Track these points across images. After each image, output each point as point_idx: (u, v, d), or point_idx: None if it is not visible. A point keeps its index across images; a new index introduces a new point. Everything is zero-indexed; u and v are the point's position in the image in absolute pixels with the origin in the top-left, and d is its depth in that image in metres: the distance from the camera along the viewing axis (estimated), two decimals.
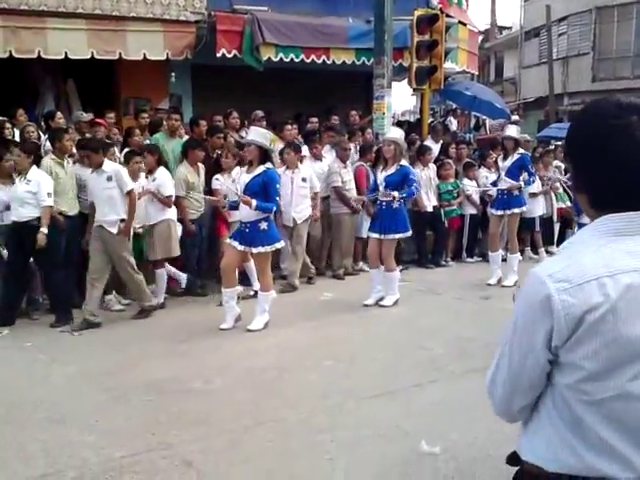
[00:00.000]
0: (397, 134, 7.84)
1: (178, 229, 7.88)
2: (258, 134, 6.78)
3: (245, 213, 6.66)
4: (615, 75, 25.47)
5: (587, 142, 1.51)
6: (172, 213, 7.76)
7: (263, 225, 6.65)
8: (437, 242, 10.45)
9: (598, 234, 1.50)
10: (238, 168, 7.81)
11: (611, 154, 1.46)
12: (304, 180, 8.63)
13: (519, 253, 9.10)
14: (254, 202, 6.47)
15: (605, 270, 1.44)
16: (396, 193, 7.45)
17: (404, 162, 7.73)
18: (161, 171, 7.71)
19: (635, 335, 1.42)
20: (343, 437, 4.29)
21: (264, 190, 6.56)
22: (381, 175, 7.61)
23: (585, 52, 26.39)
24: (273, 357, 5.96)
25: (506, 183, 8.69)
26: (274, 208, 6.72)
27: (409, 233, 7.88)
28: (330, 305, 7.89)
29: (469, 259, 10.68)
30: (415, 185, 7.67)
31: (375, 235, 7.72)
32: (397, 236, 7.71)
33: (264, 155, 6.65)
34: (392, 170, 7.54)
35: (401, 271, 8.34)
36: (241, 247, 6.67)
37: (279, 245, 6.95)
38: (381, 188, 7.57)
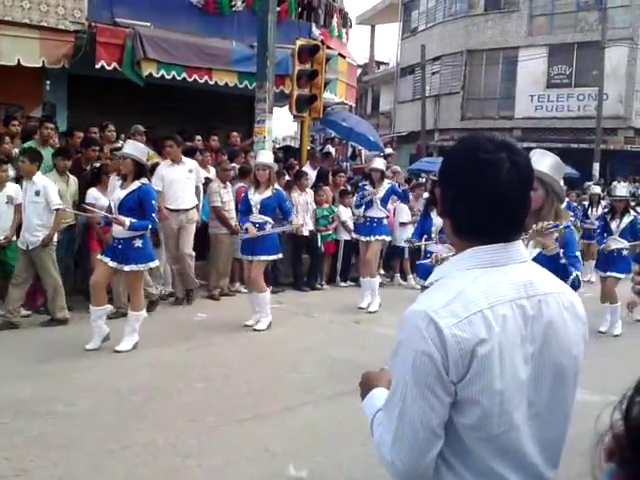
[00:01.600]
0: (269, 158, 7.94)
1: None
2: (135, 148, 6.65)
3: (119, 229, 6.48)
4: (482, 114, 27.07)
5: (458, 172, 1.54)
6: None
7: (138, 243, 6.48)
8: (312, 266, 10.62)
9: (469, 266, 1.51)
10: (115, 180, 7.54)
11: (479, 186, 1.48)
12: None
13: (378, 277, 9.46)
14: (127, 222, 6.30)
15: (485, 302, 1.44)
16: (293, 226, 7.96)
17: (277, 186, 7.86)
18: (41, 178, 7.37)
19: (515, 367, 1.45)
20: (211, 461, 4.24)
21: (140, 206, 6.42)
22: (255, 197, 7.64)
23: (456, 91, 27.87)
24: (143, 378, 5.80)
25: (377, 211, 9.04)
26: (149, 225, 6.55)
27: (279, 255, 7.94)
28: (204, 325, 7.80)
29: (342, 283, 10.92)
30: (290, 213, 7.89)
31: (247, 257, 7.73)
32: (267, 258, 7.74)
33: (140, 170, 6.53)
34: (268, 193, 7.61)
35: (273, 292, 8.40)
36: (113, 264, 6.45)
37: (152, 264, 6.81)
38: (255, 210, 7.60)
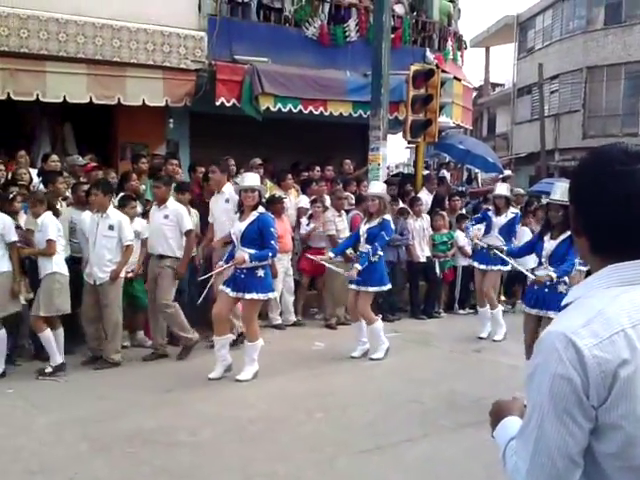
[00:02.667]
0: (380, 189, 7.85)
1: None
2: (258, 180, 6.82)
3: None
4: (605, 132, 25.89)
5: (593, 186, 1.47)
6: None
7: (260, 272, 6.58)
8: (429, 293, 10.43)
9: (608, 284, 1.44)
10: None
11: (616, 198, 1.42)
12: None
13: (499, 306, 8.99)
14: (247, 257, 6.45)
15: (627, 321, 1.37)
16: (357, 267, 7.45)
17: (387, 216, 7.70)
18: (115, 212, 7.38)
19: None
20: None
21: (260, 236, 6.54)
22: (364, 227, 7.61)
23: (576, 109, 26.87)
24: (263, 408, 5.85)
25: (495, 239, 8.58)
26: (270, 254, 6.63)
27: (386, 287, 7.78)
28: (322, 355, 7.80)
29: (461, 311, 10.65)
30: (380, 243, 7.46)
31: (353, 287, 7.64)
32: (372, 289, 7.58)
33: (259, 201, 6.69)
34: (374, 223, 7.54)
35: (389, 321, 8.26)
36: (233, 294, 6.59)
37: (272, 295, 6.90)
38: (362, 240, 7.56)
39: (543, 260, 6.08)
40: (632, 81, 25.28)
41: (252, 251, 6.49)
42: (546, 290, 5.92)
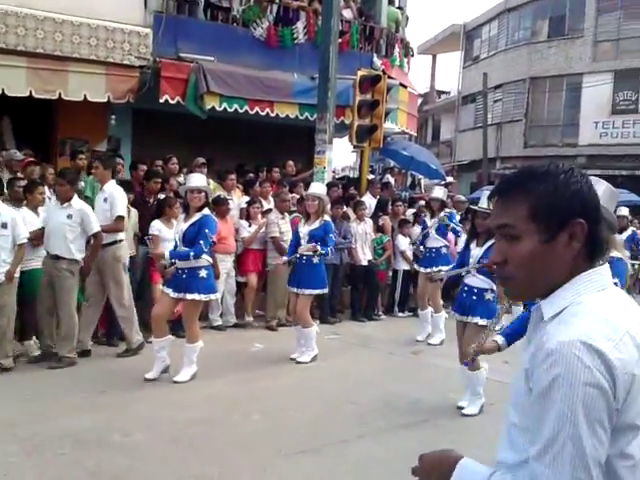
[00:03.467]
0: (321, 189, 7.85)
1: None
2: (204, 180, 6.78)
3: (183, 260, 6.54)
4: (545, 142, 26.59)
5: (596, 202, 1.53)
6: None
7: (202, 273, 6.52)
8: (370, 296, 10.54)
9: (589, 290, 1.47)
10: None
11: (598, 209, 1.51)
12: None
13: (443, 311, 9.09)
14: (166, 252, 6.54)
15: (625, 323, 1.41)
16: (318, 247, 7.41)
17: (327, 217, 7.73)
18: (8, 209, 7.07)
19: None
20: None
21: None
22: (304, 229, 7.60)
23: (518, 119, 27.49)
24: (200, 410, 5.80)
25: (435, 241, 8.89)
26: (191, 253, 6.40)
27: (325, 290, 7.86)
28: (261, 357, 7.79)
29: (400, 314, 10.79)
30: (331, 248, 7.57)
31: (293, 289, 7.66)
32: (313, 292, 7.62)
33: (206, 202, 6.65)
34: (316, 225, 7.53)
35: (329, 323, 8.27)
36: (175, 294, 6.51)
37: (213, 296, 6.85)
38: (303, 242, 7.55)
39: (470, 268, 6.10)
40: (573, 93, 26.01)
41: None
42: (474, 297, 5.98)
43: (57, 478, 4.34)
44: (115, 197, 7.27)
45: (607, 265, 1.51)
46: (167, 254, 6.54)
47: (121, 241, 7.37)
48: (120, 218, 7.28)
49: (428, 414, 5.95)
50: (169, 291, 6.53)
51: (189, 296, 6.47)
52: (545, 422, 1.34)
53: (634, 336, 1.38)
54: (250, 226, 9.40)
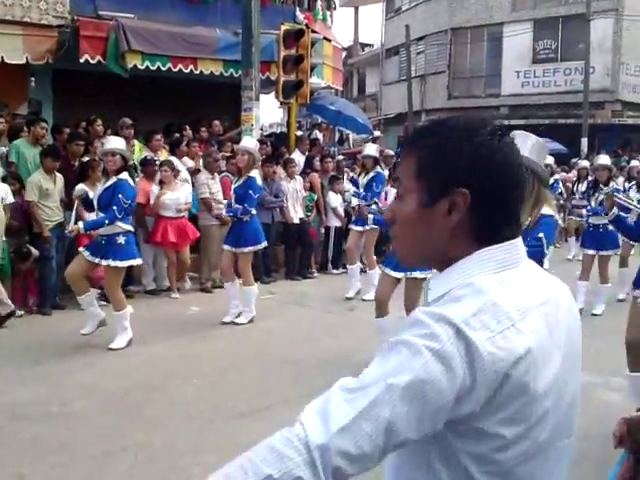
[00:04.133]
0: (251, 144, 7.64)
1: None
2: (121, 143, 6.60)
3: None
4: (469, 93, 27.00)
5: (461, 160, 1.25)
6: None
7: (120, 239, 6.40)
8: (303, 254, 10.60)
9: (484, 270, 1.23)
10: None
11: (490, 174, 1.23)
12: None
13: (377, 267, 9.19)
14: (80, 225, 6.38)
15: (516, 313, 1.18)
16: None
17: (253, 173, 7.45)
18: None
19: (545, 389, 1.20)
20: (208, 460, 4.21)
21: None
22: (233, 186, 7.51)
23: (441, 70, 27.75)
24: (138, 376, 5.78)
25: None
26: (106, 221, 6.31)
27: (262, 245, 7.71)
28: (197, 319, 7.79)
29: (334, 271, 10.91)
30: (250, 204, 7.32)
31: (228, 248, 7.55)
32: (249, 249, 7.50)
33: (122, 166, 6.44)
34: (240, 182, 7.40)
35: (264, 283, 8.25)
36: (91, 258, 6.39)
37: (134, 262, 6.71)
38: (232, 201, 7.46)
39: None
40: (494, 42, 26.38)
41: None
42: None
43: None
44: None
45: (518, 240, 1.28)
46: (81, 226, 6.38)
47: None
48: None
49: (364, 368, 6.07)
50: (86, 254, 6.43)
51: (104, 262, 6.37)
52: (372, 369, 1.17)
53: (522, 329, 1.16)
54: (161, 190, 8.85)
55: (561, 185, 13.62)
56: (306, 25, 12.14)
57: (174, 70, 10.75)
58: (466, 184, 1.22)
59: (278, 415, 5.00)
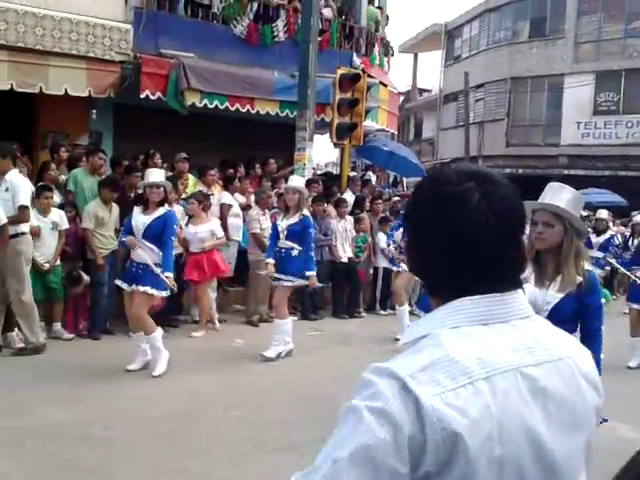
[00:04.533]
0: (301, 183, 7.78)
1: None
2: (161, 175, 6.83)
3: (139, 253, 6.56)
4: (527, 141, 26.81)
5: (418, 213, 1.26)
6: None
7: (157, 269, 6.52)
8: (351, 293, 10.59)
9: (456, 323, 1.17)
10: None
11: (444, 225, 1.20)
12: None
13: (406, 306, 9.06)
14: (169, 274, 6.56)
15: (480, 370, 1.10)
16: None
17: (306, 212, 7.62)
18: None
19: (518, 462, 1.11)
20: None
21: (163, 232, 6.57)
22: (283, 223, 7.51)
23: (500, 118, 27.68)
24: (178, 405, 5.82)
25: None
26: (172, 252, 6.70)
27: (302, 281, 7.60)
28: (242, 352, 7.81)
29: (382, 311, 10.85)
30: (310, 240, 7.44)
31: (274, 283, 7.62)
32: (289, 284, 7.48)
33: (166, 197, 6.73)
34: (295, 219, 7.43)
35: (312, 320, 8.22)
36: (126, 286, 6.63)
37: (165, 294, 6.76)
38: (282, 236, 7.48)
39: None
40: (554, 93, 26.25)
41: (153, 246, 6.53)
42: None
43: (37, 471, 4.35)
44: (17, 186, 6.88)
45: (509, 294, 1.20)
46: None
47: (23, 234, 6.99)
48: (24, 208, 6.88)
49: None
50: (124, 286, 6.65)
51: (141, 288, 6.50)
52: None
53: (482, 390, 1.08)
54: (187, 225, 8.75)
55: (618, 238, 13.28)
56: (362, 70, 12.34)
57: (231, 109, 11.03)
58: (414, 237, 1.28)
59: (316, 451, 4.93)
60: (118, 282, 6.86)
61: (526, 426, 1.11)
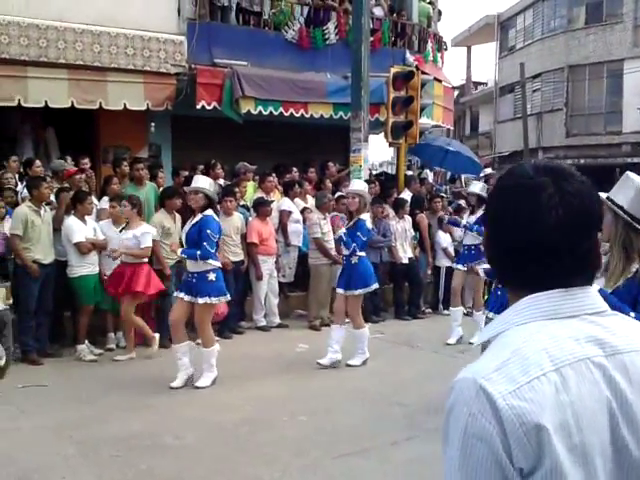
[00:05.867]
0: (362, 186, 7.63)
1: None
2: (206, 182, 6.73)
3: (191, 263, 6.58)
4: (588, 131, 26.11)
5: (493, 205, 1.32)
6: None
7: (211, 276, 6.51)
8: (413, 294, 10.50)
9: (525, 319, 1.21)
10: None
11: (517, 217, 1.23)
12: None
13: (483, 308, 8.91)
14: (178, 251, 6.77)
15: (549, 363, 1.13)
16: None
17: (363, 216, 7.45)
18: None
19: (594, 448, 1.13)
20: None
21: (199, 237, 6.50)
22: (341, 231, 7.42)
23: (558, 108, 27.05)
24: (247, 411, 5.88)
25: (472, 238, 8.72)
26: (198, 252, 6.41)
27: (371, 287, 7.57)
28: (305, 357, 7.82)
29: (445, 311, 10.69)
30: (358, 245, 7.26)
31: (340, 291, 7.51)
32: (358, 291, 7.41)
33: (208, 204, 6.60)
34: (351, 224, 7.36)
35: (373, 322, 8.24)
36: (187, 298, 6.54)
37: (224, 298, 6.76)
38: (342, 243, 7.43)
39: None
40: (614, 79, 25.51)
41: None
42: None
43: None
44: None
45: (579, 289, 1.23)
46: (179, 252, 6.77)
47: None
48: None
49: None
50: (182, 295, 6.59)
51: (200, 300, 6.47)
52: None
53: (555, 380, 1.12)
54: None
55: None
56: (416, 67, 12.22)
57: (286, 114, 11.09)
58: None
59: (386, 456, 4.94)
60: (176, 293, 6.88)
61: (601, 413, 1.14)
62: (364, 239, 7.39)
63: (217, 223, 6.67)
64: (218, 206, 7.69)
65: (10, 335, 7.19)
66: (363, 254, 7.47)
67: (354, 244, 7.25)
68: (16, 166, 8.82)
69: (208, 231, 6.43)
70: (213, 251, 6.52)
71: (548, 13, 28.39)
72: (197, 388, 6.49)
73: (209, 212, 6.58)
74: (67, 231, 7.53)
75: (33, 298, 7.28)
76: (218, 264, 6.69)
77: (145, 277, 7.56)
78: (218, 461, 4.79)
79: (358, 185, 7.69)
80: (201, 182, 6.68)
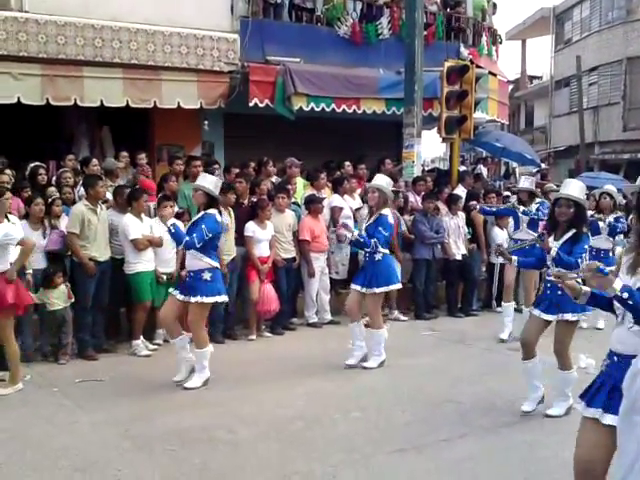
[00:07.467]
0: (383, 181, 7.22)
1: None
2: (206, 180, 6.55)
3: (191, 262, 6.46)
4: None
5: None
6: None
7: (206, 275, 6.35)
8: (466, 290, 10.36)
9: None
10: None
11: None
12: None
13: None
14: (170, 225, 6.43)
15: None
16: (355, 232, 6.99)
17: (385, 211, 7.06)
18: None
19: None
20: None
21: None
22: (363, 226, 7.17)
23: (616, 101, 26.37)
24: (299, 408, 5.87)
25: (525, 234, 8.55)
26: (185, 239, 6.21)
27: (394, 286, 7.26)
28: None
29: (499, 308, 10.51)
30: (380, 241, 6.90)
31: (357, 287, 7.14)
32: (381, 289, 7.06)
33: (210, 202, 6.45)
34: (371, 220, 7.06)
35: (426, 319, 8.06)
36: (181, 297, 6.40)
37: (220, 299, 6.56)
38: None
39: (549, 263, 5.51)
40: None
41: (196, 252, 6.34)
42: (559, 293, 5.14)
43: (168, 474, 4.50)
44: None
45: None
46: (170, 222, 6.54)
47: None
48: None
49: (530, 413, 5.77)
50: (176, 293, 6.47)
51: (193, 299, 6.32)
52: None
53: None
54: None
55: None
56: (470, 61, 12.05)
57: (338, 110, 11.06)
58: None
59: (440, 453, 4.89)
60: (171, 290, 6.70)
61: None
62: (386, 234, 7.01)
63: (217, 223, 6.48)
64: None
65: (70, 332, 7.37)
66: (387, 251, 7.15)
67: (374, 240, 6.91)
68: (71, 165, 9.01)
69: (203, 226, 6.29)
70: (198, 245, 6.26)
71: (606, 5, 27.71)
72: (186, 389, 6.35)
73: (212, 211, 6.45)
74: (124, 228, 7.65)
75: (89, 295, 7.42)
76: (215, 264, 6.48)
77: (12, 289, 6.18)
78: (271, 456, 4.79)
79: (379, 180, 7.29)
80: (201, 180, 6.60)
